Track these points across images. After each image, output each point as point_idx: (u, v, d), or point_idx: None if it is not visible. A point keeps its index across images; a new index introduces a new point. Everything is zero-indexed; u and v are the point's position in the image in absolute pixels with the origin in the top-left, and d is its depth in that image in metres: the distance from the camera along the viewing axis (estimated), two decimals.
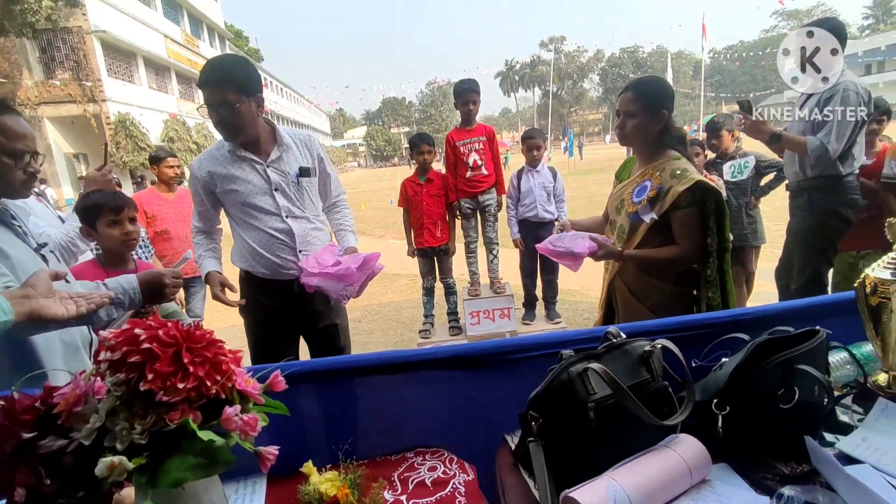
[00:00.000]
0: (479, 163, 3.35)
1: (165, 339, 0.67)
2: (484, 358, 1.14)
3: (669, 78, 24.28)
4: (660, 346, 0.99)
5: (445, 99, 78.56)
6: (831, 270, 2.88)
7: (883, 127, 2.95)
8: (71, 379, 0.69)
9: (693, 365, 1.14)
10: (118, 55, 20.16)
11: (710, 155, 3.77)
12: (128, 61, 20.91)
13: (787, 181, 2.92)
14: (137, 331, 0.67)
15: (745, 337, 1.09)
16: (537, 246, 1.90)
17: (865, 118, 2.48)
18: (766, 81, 62.59)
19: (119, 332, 0.68)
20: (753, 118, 2.63)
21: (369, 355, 1.11)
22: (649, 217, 1.73)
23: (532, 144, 3.54)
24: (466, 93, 3.29)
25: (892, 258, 1.02)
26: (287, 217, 1.91)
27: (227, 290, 1.89)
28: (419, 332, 3.59)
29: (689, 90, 60.77)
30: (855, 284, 1.08)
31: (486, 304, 3.46)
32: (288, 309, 1.99)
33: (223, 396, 0.72)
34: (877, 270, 1.03)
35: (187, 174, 2.81)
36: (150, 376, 0.64)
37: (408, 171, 3.50)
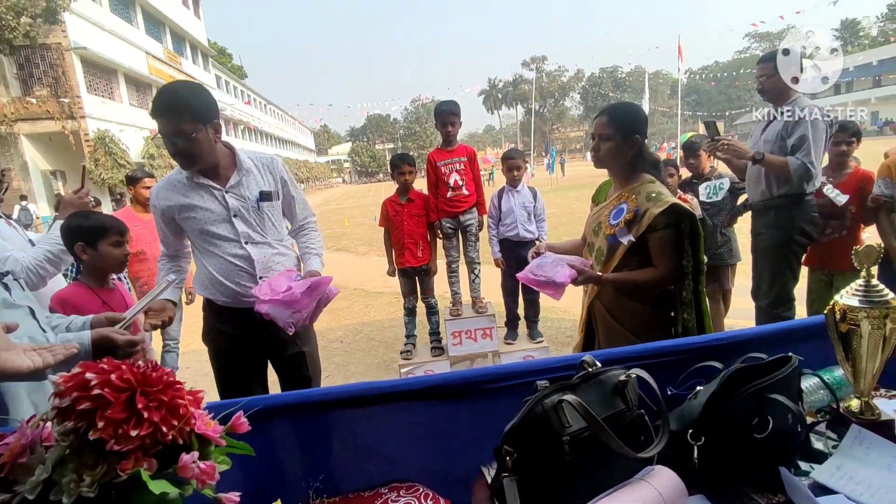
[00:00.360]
0: (460, 183, 3.35)
1: (118, 384, 0.64)
2: (460, 388, 1.12)
3: (647, 97, 24.85)
4: (634, 375, 0.99)
5: (430, 116, 78.78)
6: (796, 286, 2.96)
7: (853, 149, 3.03)
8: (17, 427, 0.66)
9: (669, 393, 1.14)
10: (98, 72, 19.95)
11: (687, 174, 3.83)
12: (108, 78, 20.71)
13: (749, 200, 3.04)
14: (89, 375, 0.64)
15: (719, 365, 1.09)
16: (518, 275, 1.90)
17: (829, 138, 2.70)
18: (741, 100, 64.48)
19: (69, 376, 0.65)
20: (725, 140, 2.77)
21: (341, 388, 1.09)
22: (627, 239, 1.75)
23: (512, 165, 3.57)
24: (446, 114, 3.31)
25: (860, 285, 1.03)
26: (246, 243, 1.86)
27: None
28: (401, 353, 3.55)
29: (667, 109, 62.27)
30: (825, 311, 1.09)
31: (468, 324, 3.44)
32: (252, 337, 1.93)
33: (181, 441, 0.69)
34: (845, 297, 1.04)
35: None
36: (100, 424, 0.61)
37: (392, 186, 3.49)
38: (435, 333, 3.62)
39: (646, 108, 23.88)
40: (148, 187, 3.55)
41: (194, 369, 4.04)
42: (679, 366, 1.19)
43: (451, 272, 3.62)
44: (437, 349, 3.55)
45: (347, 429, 1.09)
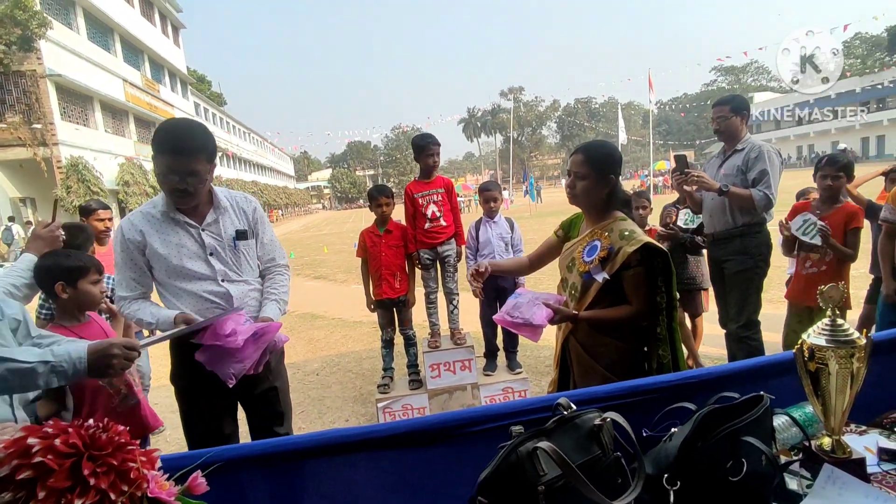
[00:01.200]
0: (438, 214, 3.36)
1: (62, 449, 0.60)
2: (433, 433, 1.09)
3: (622, 126, 25.58)
4: (609, 419, 0.98)
5: (410, 143, 79.91)
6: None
7: (840, 183, 2.99)
8: None
9: (644, 434, 1.12)
10: (73, 99, 19.73)
11: (672, 195, 3.92)
12: (83, 105, 20.49)
13: (708, 230, 3.20)
14: (31, 440, 0.60)
15: (692, 406, 1.08)
16: (495, 318, 1.90)
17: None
18: (709, 130, 66.43)
19: (9, 441, 0.61)
20: (695, 173, 2.95)
21: (309, 437, 1.05)
22: (601, 277, 1.76)
23: (489, 196, 3.60)
24: (428, 146, 3.33)
25: (826, 325, 1.05)
26: (223, 281, 1.83)
27: None
28: (378, 387, 3.47)
29: (640, 138, 64.24)
30: (794, 349, 1.10)
31: (447, 355, 3.40)
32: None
33: None
34: (812, 336, 1.05)
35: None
36: (41, 495, 0.57)
37: (372, 215, 3.47)
38: (413, 366, 3.57)
39: (621, 137, 24.56)
40: (102, 219, 3.40)
41: (163, 405, 3.89)
42: (654, 404, 1.19)
43: (430, 303, 3.59)
44: (416, 381, 3.49)
45: (316, 479, 1.05)
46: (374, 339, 5.57)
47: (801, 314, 3.11)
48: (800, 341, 1.08)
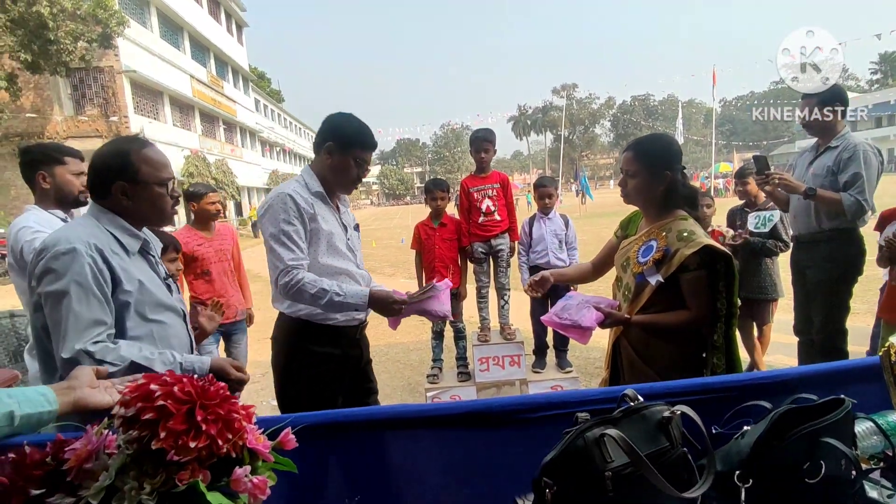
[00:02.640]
0: (493, 209, 3.38)
1: (180, 396, 0.67)
2: (496, 416, 1.11)
3: (680, 125, 24.49)
4: (679, 412, 0.97)
5: (458, 141, 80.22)
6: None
7: None
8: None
9: (714, 431, 1.10)
10: (146, 93, 21.01)
11: (737, 201, 3.75)
12: (154, 99, 21.77)
13: (794, 233, 2.96)
14: (153, 386, 0.67)
15: (767, 405, 1.05)
16: (543, 318, 1.88)
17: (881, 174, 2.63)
18: (777, 131, 63.30)
19: (134, 386, 0.68)
20: (777, 174, 2.71)
21: (375, 409, 1.09)
22: (655, 280, 1.68)
23: (544, 192, 3.57)
24: (480, 141, 3.36)
25: None
26: (357, 264, 2.01)
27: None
28: (427, 377, 3.53)
29: (701, 138, 61.59)
30: (880, 352, 1.05)
31: (496, 350, 3.41)
32: (347, 355, 1.97)
33: (234, 455, 0.71)
34: None
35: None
36: (162, 434, 0.64)
37: (419, 209, 3.52)
38: (462, 358, 3.60)
39: (679, 137, 23.63)
40: (213, 202, 3.22)
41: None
42: (723, 403, 1.16)
43: (481, 297, 3.61)
44: (464, 374, 3.52)
45: (385, 451, 1.10)
46: (421, 331, 5.65)
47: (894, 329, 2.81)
48: (887, 344, 1.03)
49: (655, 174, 1.72)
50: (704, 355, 1.72)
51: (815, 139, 2.85)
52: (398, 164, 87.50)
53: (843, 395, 1.02)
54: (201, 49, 26.98)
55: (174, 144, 21.84)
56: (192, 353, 1.50)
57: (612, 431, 0.91)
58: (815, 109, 2.71)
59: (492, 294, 3.63)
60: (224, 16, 30.20)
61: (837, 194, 2.60)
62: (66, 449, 0.68)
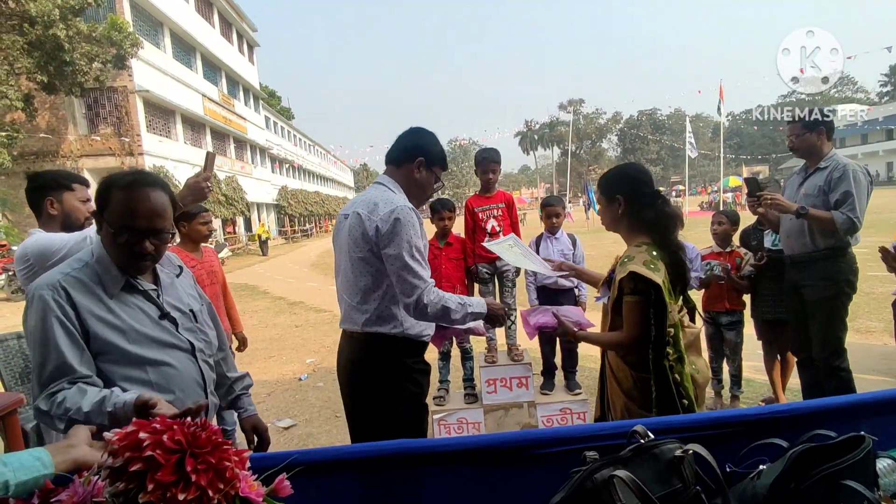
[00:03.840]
0: (498, 229, 3.35)
1: (170, 445, 0.64)
2: (501, 452, 1.08)
3: (691, 139, 24.26)
4: (691, 451, 0.93)
5: (466, 156, 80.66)
6: None
7: None
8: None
9: (727, 470, 1.06)
10: (158, 112, 21.37)
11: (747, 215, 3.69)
12: (166, 118, 22.13)
13: (786, 252, 2.97)
14: (142, 434, 0.65)
15: (783, 443, 1.01)
16: (522, 311, 2.15)
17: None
18: (786, 145, 63.03)
19: (123, 434, 0.66)
20: (769, 196, 2.76)
21: (377, 446, 1.06)
22: (605, 299, 1.86)
23: (551, 212, 3.55)
24: (486, 162, 3.35)
25: None
26: None
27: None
28: (434, 399, 3.48)
29: (709, 152, 61.43)
30: None
31: (504, 371, 3.36)
32: (430, 368, 2.01)
33: None
34: None
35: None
36: (150, 487, 0.61)
37: (427, 224, 3.52)
38: (469, 380, 3.55)
39: (689, 150, 23.52)
40: (205, 222, 3.11)
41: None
42: (738, 438, 1.12)
43: None
44: (471, 396, 3.47)
45: (388, 489, 1.06)
46: (427, 350, 5.60)
47: None
48: None
49: (610, 200, 1.83)
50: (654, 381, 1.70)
51: (804, 161, 2.94)
52: None
53: (863, 432, 0.98)
54: (213, 69, 27.47)
55: (185, 162, 22.13)
56: (205, 391, 1.41)
57: (622, 473, 0.88)
58: (802, 133, 2.83)
59: None
60: (236, 36, 30.80)
61: (828, 213, 2.68)
62: (53, 499, 0.66)
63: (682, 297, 1.78)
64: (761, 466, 1.00)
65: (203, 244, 3.23)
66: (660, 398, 1.66)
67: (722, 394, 3.66)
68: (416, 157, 1.88)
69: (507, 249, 2.56)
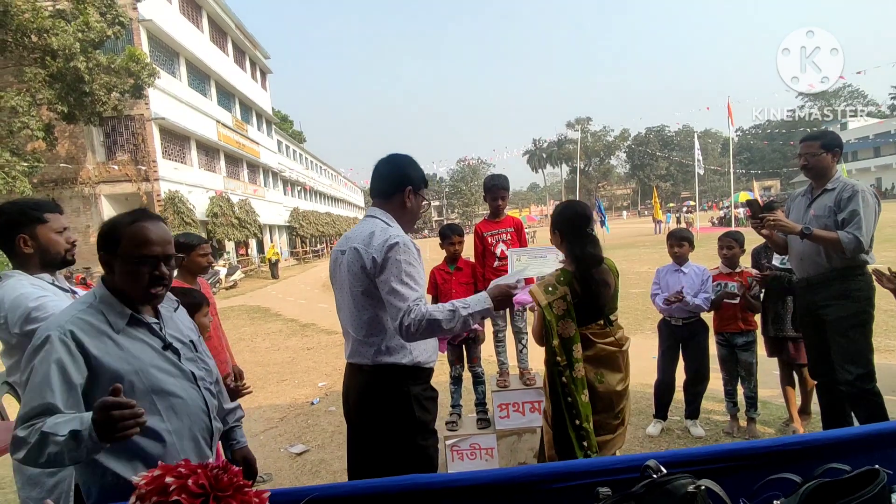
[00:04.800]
0: (507, 253, 3.37)
1: (194, 490, 0.67)
2: (513, 487, 1.08)
3: (699, 156, 24.19)
4: (704, 487, 0.93)
5: (475, 175, 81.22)
6: None
7: None
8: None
9: None
10: (173, 139, 21.87)
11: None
12: (181, 144, 22.63)
13: (798, 276, 2.94)
14: (168, 479, 0.68)
15: (796, 478, 1.01)
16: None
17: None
18: (797, 162, 62.53)
19: (150, 478, 0.69)
20: (772, 217, 2.73)
21: (391, 481, 1.07)
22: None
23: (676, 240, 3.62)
24: (497, 189, 3.39)
25: None
26: None
27: None
28: (446, 424, 3.46)
29: (718, 167, 61.18)
30: None
31: (516, 396, 3.34)
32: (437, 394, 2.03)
33: None
34: None
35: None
36: None
37: (436, 244, 3.56)
38: (481, 404, 3.53)
39: (698, 167, 23.46)
40: (205, 254, 3.04)
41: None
42: (751, 471, 1.12)
43: (498, 342, 3.57)
44: (484, 421, 3.45)
45: None
46: (437, 373, 5.55)
47: None
48: None
49: (552, 230, 2.28)
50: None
51: (809, 182, 2.92)
52: None
53: (877, 466, 0.98)
54: (227, 95, 28.12)
55: (200, 186, 22.53)
56: (209, 418, 1.46)
57: None
58: (818, 153, 2.78)
59: (509, 338, 3.59)
60: (249, 63, 31.58)
61: (833, 232, 2.64)
62: None
63: (606, 318, 2.18)
64: (775, 502, 1.00)
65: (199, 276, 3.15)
66: (551, 391, 2.15)
67: (738, 416, 3.61)
68: (404, 187, 1.94)
69: (523, 265, 2.84)
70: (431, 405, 1.95)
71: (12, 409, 2.96)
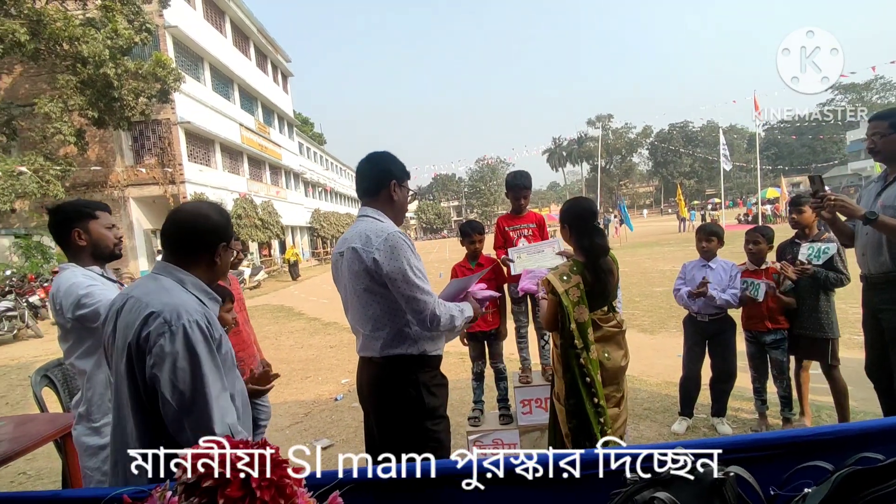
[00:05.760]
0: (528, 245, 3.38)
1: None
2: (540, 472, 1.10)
3: (725, 151, 23.55)
4: (733, 473, 0.93)
5: (494, 174, 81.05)
6: None
7: None
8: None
9: (771, 493, 1.05)
10: (199, 142, 22.36)
11: (787, 231, 3.60)
12: (206, 147, 23.12)
13: (864, 272, 2.68)
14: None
15: (828, 466, 1.00)
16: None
17: None
18: (827, 154, 60.65)
19: (196, 453, 0.72)
20: (833, 196, 2.46)
21: (426, 464, 1.09)
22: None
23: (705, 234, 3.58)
24: (520, 188, 3.40)
25: None
26: None
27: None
28: (468, 419, 3.48)
29: (744, 163, 59.76)
30: None
31: (538, 392, 3.34)
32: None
33: None
34: None
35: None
36: (220, 502, 0.67)
37: (457, 242, 3.60)
38: (503, 400, 3.54)
39: (724, 163, 22.95)
40: (236, 250, 3.10)
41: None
42: (782, 460, 1.11)
43: (520, 338, 3.57)
44: (506, 416, 3.46)
45: None
46: (459, 370, 5.60)
47: None
48: None
49: (562, 225, 2.43)
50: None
51: (884, 168, 2.58)
52: (435, 199, 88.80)
53: None
54: (250, 99, 28.62)
55: (224, 188, 22.98)
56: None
57: (663, 495, 0.89)
58: (887, 133, 2.43)
59: (531, 334, 3.59)
60: (270, 67, 32.07)
61: None
62: None
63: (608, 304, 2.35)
64: (806, 490, 0.99)
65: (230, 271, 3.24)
66: (565, 371, 2.26)
67: (767, 415, 3.53)
68: (388, 182, 2.01)
69: (523, 262, 3.09)
70: (441, 391, 2.02)
71: (52, 402, 3.09)
